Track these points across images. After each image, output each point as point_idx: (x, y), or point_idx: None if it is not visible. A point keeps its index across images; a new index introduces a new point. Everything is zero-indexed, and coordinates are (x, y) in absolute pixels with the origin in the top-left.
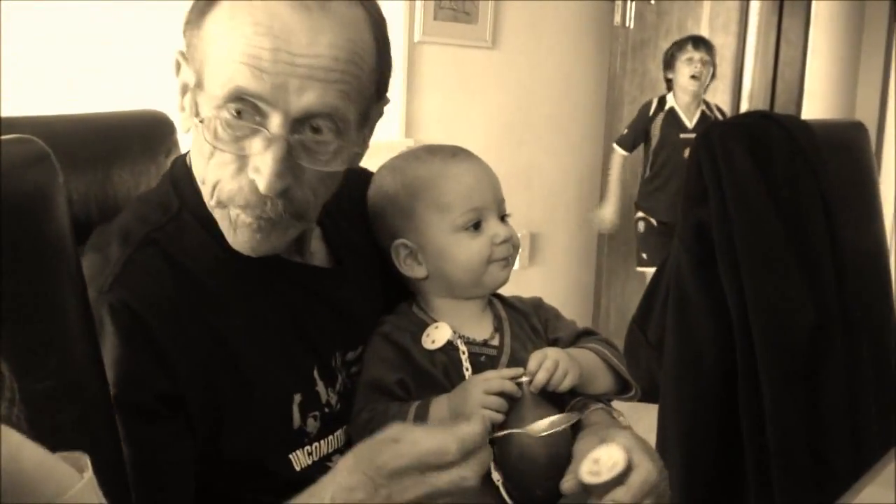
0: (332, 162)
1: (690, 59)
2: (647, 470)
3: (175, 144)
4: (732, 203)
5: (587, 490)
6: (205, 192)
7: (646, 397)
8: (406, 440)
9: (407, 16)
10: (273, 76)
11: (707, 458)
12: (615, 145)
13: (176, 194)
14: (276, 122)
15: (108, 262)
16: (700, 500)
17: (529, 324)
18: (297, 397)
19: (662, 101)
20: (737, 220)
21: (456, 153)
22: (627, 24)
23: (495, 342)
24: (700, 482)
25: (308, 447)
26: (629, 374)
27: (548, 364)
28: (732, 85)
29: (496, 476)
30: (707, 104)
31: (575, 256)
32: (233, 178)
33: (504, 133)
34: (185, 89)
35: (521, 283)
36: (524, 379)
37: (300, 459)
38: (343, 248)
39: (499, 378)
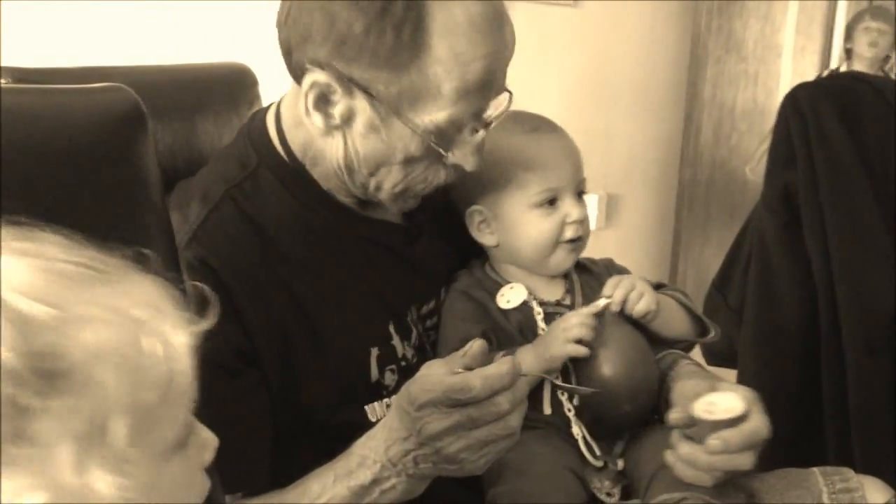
0: None
1: (867, 29)
2: (761, 422)
3: (257, 97)
4: (821, 166)
5: (696, 424)
6: (375, 182)
7: (724, 362)
8: (434, 374)
9: None
10: (496, 87)
11: (785, 422)
12: None
13: (254, 150)
14: (487, 115)
15: (186, 220)
16: (778, 465)
17: (601, 283)
18: (375, 351)
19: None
20: (825, 184)
21: (539, 126)
22: None
23: (567, 302)
24: (777, 447)
25: (386, 399)
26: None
27: (624, 283)
28: (822, 47)
29: (577, 430)
30: (885, 73)
31: (652, 219)
32: (428, 169)
33: (583, 92)
34: (328, 105)
35: (598, 245)
36: (602, 302)
37: (377, 411)
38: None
39: (577, 315)
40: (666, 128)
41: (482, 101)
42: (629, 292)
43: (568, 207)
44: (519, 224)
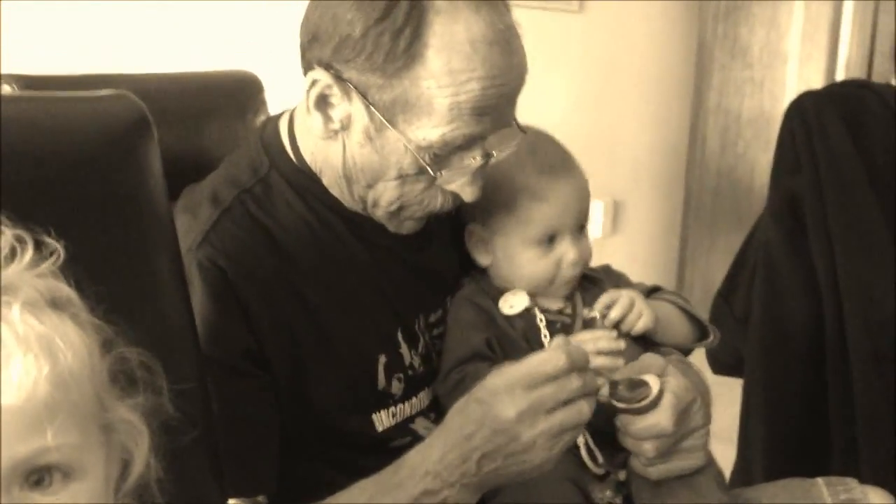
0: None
1: None
2: (663, 417)
3: (262, 104)
4: (825, 174)
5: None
6: (373, 197)
7: (730, 371)
8: (510, 366)
9: None
10: (495, 116)
11: (791, 431)
12: None
13: (266, 156)
14: (485, 144)
15: (198, 222)
16: (782, 473)
17: (601, 291)
18: (382, 358)
19: None
20: (829, 192)
21: (554, 165)
22: None
23: (568, 310)
24: (783, 456)
25: (392, 408)
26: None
27: (623, 301)
28: (828, 54)
29: (580, 439)
30: None
31: (659, 226)
32: (424, 192)
33: (588, 99)
34: (328, 107)
35: (604, 252)
36: (595, 313)
37: (383, 420)
38: None
39: (592, 339)
40: (672, 135)
41: (478, 125)
42: (627, 312)
43: (566, 247)
44: (515, 256)
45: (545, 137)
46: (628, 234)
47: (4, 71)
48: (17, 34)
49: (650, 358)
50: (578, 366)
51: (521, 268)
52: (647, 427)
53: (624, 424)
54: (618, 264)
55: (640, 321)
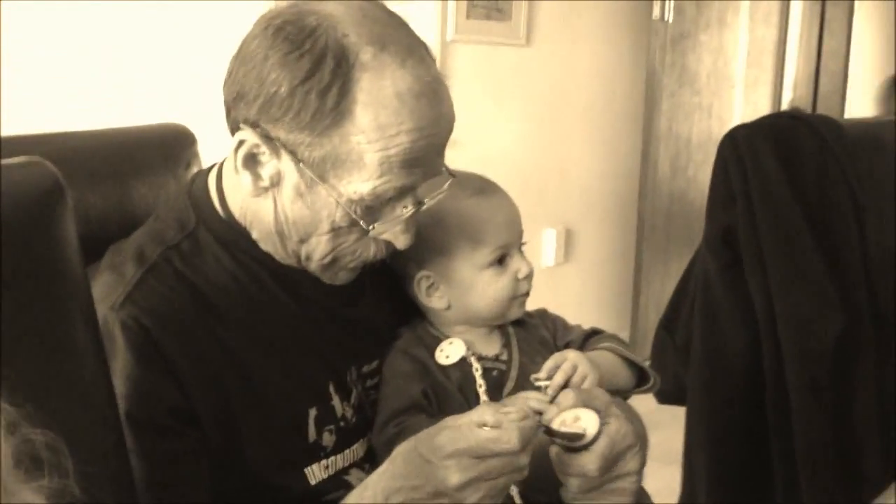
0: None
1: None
2: (589, 460)
3: (195, 156)
4: (759, 206)
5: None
6: (306, 251)
7: (674, 400)
8: (464, 426)
9: (440, 15)
10: (425, 166)
11: (733, 461)
12: None
13: (194, 211)
14: (416, 193)
15: (122, 280)
16: (727, 502)
17: (537, 336)
18: (313, 412)
19: None
20: (763, 224)
21: (483, 188)
22: (666, 18)
23: (504, 357)
24: (726, 485)
25: (325, 461)
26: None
27: (566, 366)
28: (774, 77)
29: (513, 489)
30: None
31: (612, 253)
32: (357, 243)
33: (539, 129)
34: (257, 165)
35: (557, 280)
36: (543, 383)
37: (315, 473)
38: None
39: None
40: (623, 161)
41: (409, 177)
42: (570, 376)
43: (517, 263)
44: (474, 285)
45: (458, 172)
46: (581, 261)
47: (5, 72)
48: (16, 34)
49: (597, 391)
50: (527, 442)
51: (482, 294)
52: (574, 465)
53: (555, 454)
54: (572, 292)
55: (586, 383)
